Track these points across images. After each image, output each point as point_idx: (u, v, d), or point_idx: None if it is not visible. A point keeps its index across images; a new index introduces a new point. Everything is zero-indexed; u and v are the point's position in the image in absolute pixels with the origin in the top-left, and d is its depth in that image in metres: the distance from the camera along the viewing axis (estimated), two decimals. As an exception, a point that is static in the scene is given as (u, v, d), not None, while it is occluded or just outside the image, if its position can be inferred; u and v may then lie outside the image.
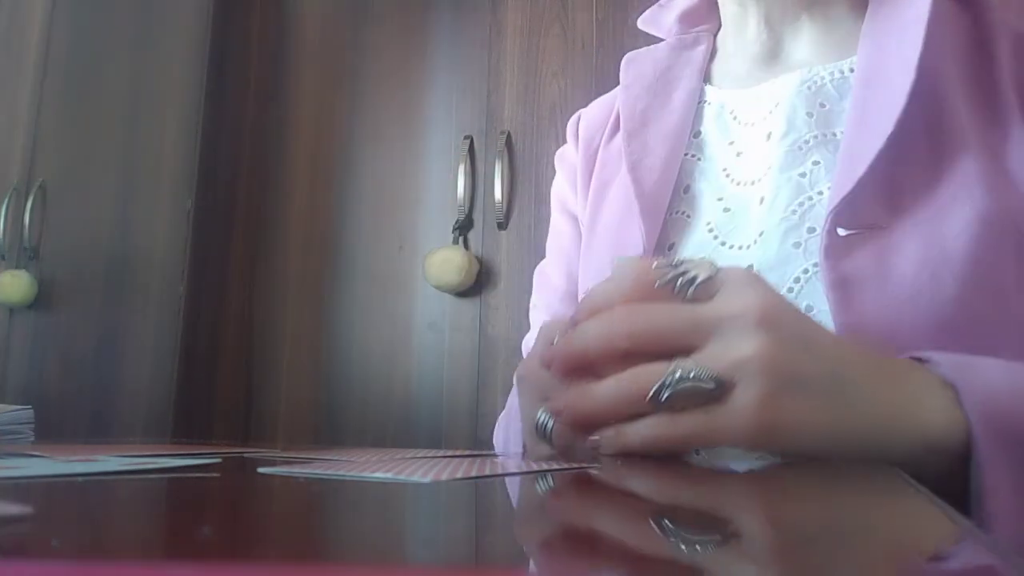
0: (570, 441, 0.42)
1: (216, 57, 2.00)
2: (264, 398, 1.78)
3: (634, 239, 0.62)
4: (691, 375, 0.37)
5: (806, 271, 0.53)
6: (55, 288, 1.73)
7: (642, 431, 0.38)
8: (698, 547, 0.16)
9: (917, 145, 0.53)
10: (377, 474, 0.28)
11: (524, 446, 0.56)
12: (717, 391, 0.37)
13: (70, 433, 1.68)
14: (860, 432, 0.38)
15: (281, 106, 1.89)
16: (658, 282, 0.40)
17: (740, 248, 0.57)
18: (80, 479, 0.27)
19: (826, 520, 0.22)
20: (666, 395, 0.37)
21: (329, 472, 0.29)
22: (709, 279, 0.39)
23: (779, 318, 0.38)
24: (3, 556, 0.14)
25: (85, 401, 1.74)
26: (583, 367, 0.40)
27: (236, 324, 1.85)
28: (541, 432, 0.43)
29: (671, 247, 0.62)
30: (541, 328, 0.49)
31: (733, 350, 0.37)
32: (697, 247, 0.60)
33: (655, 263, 0.41)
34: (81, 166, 1.79)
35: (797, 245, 0.54)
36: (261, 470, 0.30)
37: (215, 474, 0.31)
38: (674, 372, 0.37)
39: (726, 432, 0.37)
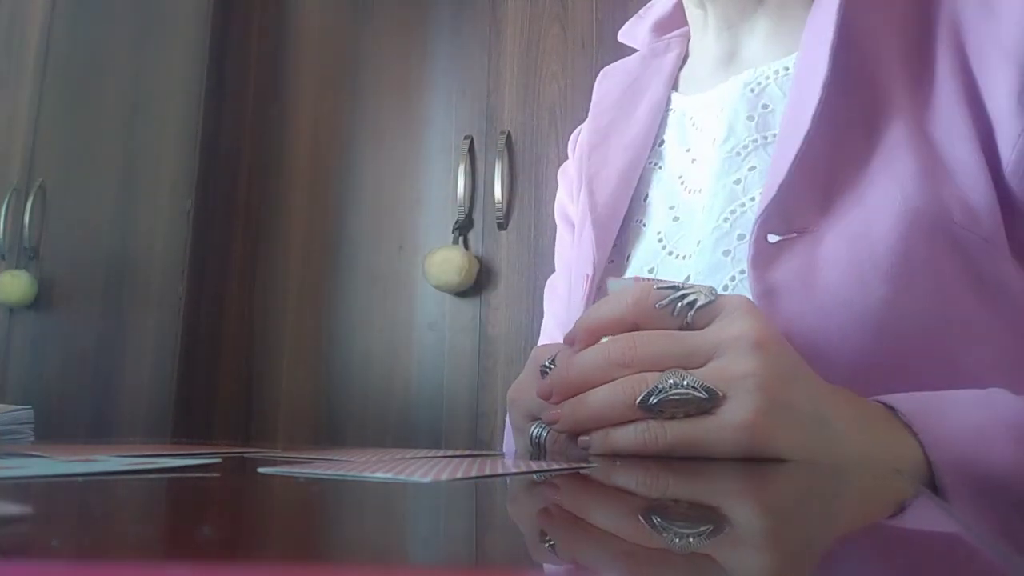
0: (565, 450, 0.42)
1: (216, 57, 2.00)
2: (264, 398, 1.78)
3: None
4: (684, 383, 0.37)
5: (733, 278, 0.52)
6: (55, 288, 1.73)
7: (630, 435, 0.39)
8: (694, 541, 0.16)
9: (849, 138, 0.51)
10: (377, 474, 0.28)
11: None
12: (708, 402, 0.37)
13: (70, 433, 1.68)
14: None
15: (281, 106, 1.89)
16: (658, 304, 0.40)
17: (684, 258, 0.57)
18: (80, 479, 0.27)
19: (821, 513, 0.22)
20: (656, 400, 0.37)
21: (329, 472, 0.29)
22: (709, 304, 0.39)
23: (775, 347, 0.38)
24: (3, 556, 0.14)
25: (85, 401, 1.74)
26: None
27: (236, 324, 1.85)
28: (535, 446, 0.44)
29: (628, 257, 0.62)
30: (534, 351, 0.49)
31: (729, 367, 0.37)
32: (646, 256, 0.60)
33: (656, 285, 0.41)
34: (81, 166, 1.79)
35: (727, 253, 0.53)
36: (261, 470, 0.30)
37: (215, 474, 0.31)
38: (667, 379, 0.37)
39: (712, 443, 0.37)
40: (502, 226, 1.59)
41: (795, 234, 0.49)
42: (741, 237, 0.53)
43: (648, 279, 0.44)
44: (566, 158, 0.81)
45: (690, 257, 0.56)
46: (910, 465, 0.39)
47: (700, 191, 0.58)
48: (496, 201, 1.59)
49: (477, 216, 1.62)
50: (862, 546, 0.18)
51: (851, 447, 0.39)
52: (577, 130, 0.79)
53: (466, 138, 1.65)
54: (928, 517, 0.23)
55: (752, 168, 0.55)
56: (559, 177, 0.80)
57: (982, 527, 0.37)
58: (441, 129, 1.69)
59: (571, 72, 1.60)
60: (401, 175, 1.72)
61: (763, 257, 0.49)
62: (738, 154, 0.57)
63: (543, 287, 0.81)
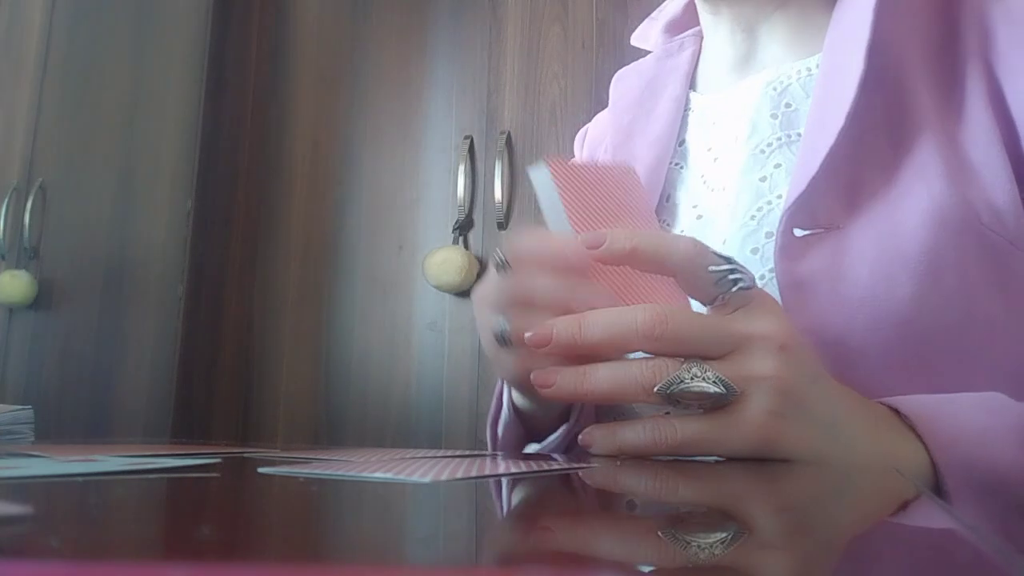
0: (527, 353, 0.41)
1: (216, 57, 2.00)
2: (264, 398, 1.78)
3: None
4: (706, 375, 0.37)
5: (762, 276, 0.52)
6: (55, 288, 1.73)
7: (639, 434, 0.38)
8: (698, 544, 0.16)
9: (875, 138, 0.52)
10: (377, 474, 0.28)
11: (498, 437, 0.57)
12: (726, 398, 0.37)
13: (70, 433, 1.68)
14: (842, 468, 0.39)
15: (281, 106, 1.89)
16: (710, 267, 0.40)
17: None
18: (80, 479, 0.27)
19: (822, 514, 0.22)
20: (675, 390, 0.37)
21: (329, 472, 0.29)
22: (747, 290, 0.40)
23: (798, 349, 0.39)
24: (3, 556, 0.14)
25: (85, 401, 1.74)
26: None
27: (236, 324, 1.85)
28: (501, 340, 0.43)
29: None
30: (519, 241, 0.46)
31: (751, 366, 0.37)
32: None
33: (712, 251, 0.40)
34: (81, 166, 1.79)
35: (755, 251, 0.53)
36: (261, 470, 0.30)
37: (215, 474, 0.31)
38: (690, 369, 0.37)
39: (725, 441, 0.37)
40: (502, 226, 1.59)
41: (822, 230, 0.50)
42: (769, 235, 0.53)
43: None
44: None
45: None
46: (915, 467, 0.39)
47: (724, 189, 0.58)
48: (496, 201, 1.59)
49: (477, 216, 1.62)
50: (866, 547, 0.18)
51: (858, 450, 0.39)
52: (584, 129, 0.79)
53: (466, 138, 1.65)
54: (931, 517, 0.23)
55: (778, 165, 0.56)
56: None
57: (985, 528, 0.37)
58: (441, 129, 1.69)
59: (572, 72, 1.60)
60: (401, 175, 1.72)
61: (790, 251, 0.49)
62: (762, 152, 0.57)
63: (543, 287, 0.81)
